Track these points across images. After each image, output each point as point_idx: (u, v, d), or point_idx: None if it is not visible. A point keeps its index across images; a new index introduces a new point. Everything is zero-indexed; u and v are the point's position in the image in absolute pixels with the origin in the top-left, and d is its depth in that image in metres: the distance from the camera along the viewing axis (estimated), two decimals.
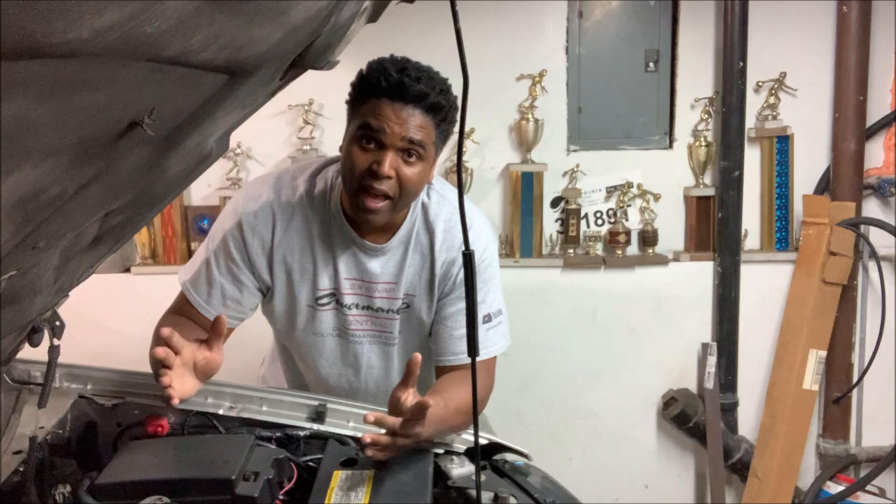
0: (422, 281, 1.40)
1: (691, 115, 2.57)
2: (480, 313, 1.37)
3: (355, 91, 1.27)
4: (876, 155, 2.58)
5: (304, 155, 2.44)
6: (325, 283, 1.39)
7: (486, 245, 1.39)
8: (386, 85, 1.21)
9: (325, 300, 1.41)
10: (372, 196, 1.25)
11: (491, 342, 1.40)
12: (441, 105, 1.24)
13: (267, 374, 1.71)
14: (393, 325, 1.44)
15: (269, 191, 1.36)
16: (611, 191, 2.60)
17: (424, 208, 1.39)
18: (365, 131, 1.23)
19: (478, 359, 1.33)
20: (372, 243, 1.36)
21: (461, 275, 1.37)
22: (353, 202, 1.30)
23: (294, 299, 1.41)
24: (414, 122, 1.22)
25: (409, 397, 1.13)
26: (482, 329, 1.39)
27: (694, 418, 2.57)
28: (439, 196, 1.40)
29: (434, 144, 1.27)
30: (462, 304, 1.38)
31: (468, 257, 0.89)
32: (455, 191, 1.44)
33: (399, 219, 1.37)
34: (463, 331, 1.37)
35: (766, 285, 2.61)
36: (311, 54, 0.83)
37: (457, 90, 0.73)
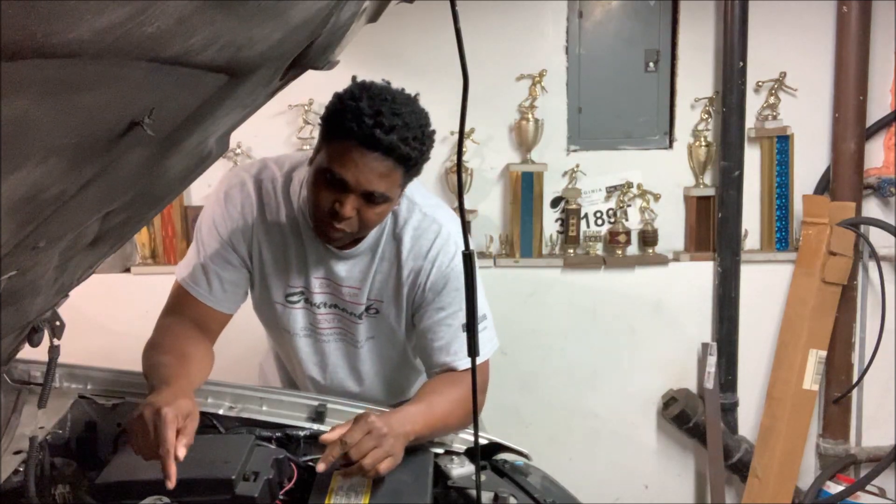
0: (389, 288, 1.39)
1: (691, 115, 2.57)
2: (458, 321, 1.35)
3: (327, 123, 1.22)
4: (876, 155, 2.58)
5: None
6: (295, 281, 1.40)
7: (454, 252, 1.36)
8: (358, 131, 1.16)
9: (295, 297, 1.42)
10: (331, 228, 1.25)
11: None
12: (410, 156, 1.19)
13: (264, 362, 1.73)
14: (356, 328, 1.44)
15: (251, 181, 1.37)
16: (611, 191, 2.60)
17: (394, 215, 1.37)
18: (329, 174, 1.21)
19: (464, 366, 1.33)
20: (338, 249, 1.36)
21: (429, 283, 1.36)
22: (314, 227, 1.30)
23: (268, 294, 1.42)
24: (380, 171, 1.18)
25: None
26: (462, 337, 1.35)
27: (694, 418, 2.57)
28: (409, 202, 1.37)
29: (400, 185, 1.25)
30: (437, 316, 1.37)
31: (468, 257, 0.89)
32: (429, 197, 1.43)
33: None
34: (442, 342, 1.36)
35: (766, 285, 2.60)
36: (311, 54, 0.82)
37: (457, 90, 0.73)
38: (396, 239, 1.37)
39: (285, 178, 1.37)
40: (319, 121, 1.25)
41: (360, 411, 1.33)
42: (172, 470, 1.00)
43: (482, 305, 1.41)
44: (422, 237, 1.36)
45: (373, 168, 1.18)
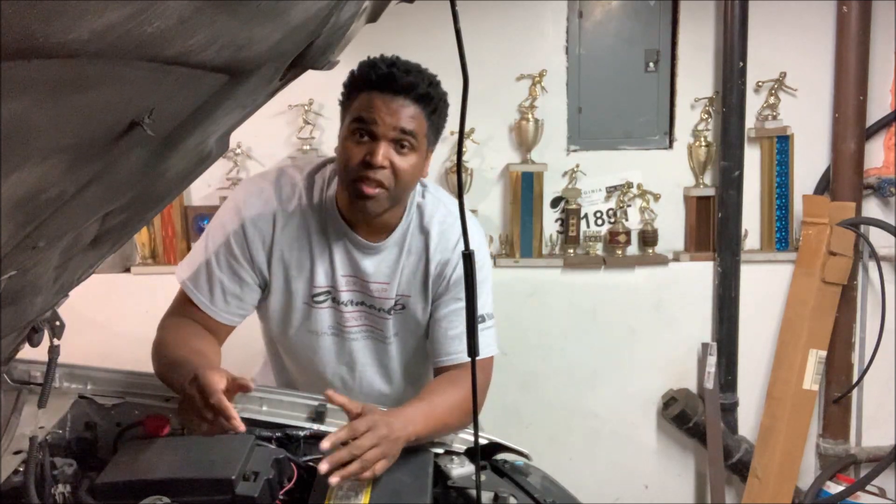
0: (416, 282, 1.41)
1: (691, 115, 2.57)
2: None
3: (347, 89, 1.31)
4: (876, 155, 2.58)
5: (304, 155, 2.44)
6: (321, 281, 1.39)
7: (477, 247, 1.37)
8: (375, 78, 1.25)
9: (321, 297, 1.41)
10: (367, 183, 1.26)
11: (485, 343, 1.40)
12: (431, 96, 1.27)
13: (258, 378, 1.69)
14: (385, 324, 1.44)
15: (270, 187, 1.37)
16: (611, 191, 2.60)
17: (420, 209, 1.40)
18: (358, 125, 1.26)
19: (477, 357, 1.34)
20: (367, 242, 1.37)
21: (455, 275, 1.39)
22: (349, 192, 1.30)
23: (290, 296, 1.41)
24: (405, 113, 1.25)
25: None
26: (478, 329, 1.38)
27: (694, 418, 2.57)
28: (434, 198, 1.42)
29: (426, 136, 1.30)
30: (456, 305, 1.39)
31: (468, 257, 0.89)
32: (450, 196, 1.47)
33: (394, 219, 1.37)
34: (457, 331, 1.38)
35: (766, 285, 2.61)
36: (311, 54, 0.82)
37: (457, 90, 0.73)
38: (424, 232, 1.40)
39: (307, 180, 1.39)
40: (339, 101, 1.32)
41: None
42: (234, 412, 1.02)
43: (490, 303, 1.44)
44: (449, 230, 1.40)
45: (396, 108, 1.25)
